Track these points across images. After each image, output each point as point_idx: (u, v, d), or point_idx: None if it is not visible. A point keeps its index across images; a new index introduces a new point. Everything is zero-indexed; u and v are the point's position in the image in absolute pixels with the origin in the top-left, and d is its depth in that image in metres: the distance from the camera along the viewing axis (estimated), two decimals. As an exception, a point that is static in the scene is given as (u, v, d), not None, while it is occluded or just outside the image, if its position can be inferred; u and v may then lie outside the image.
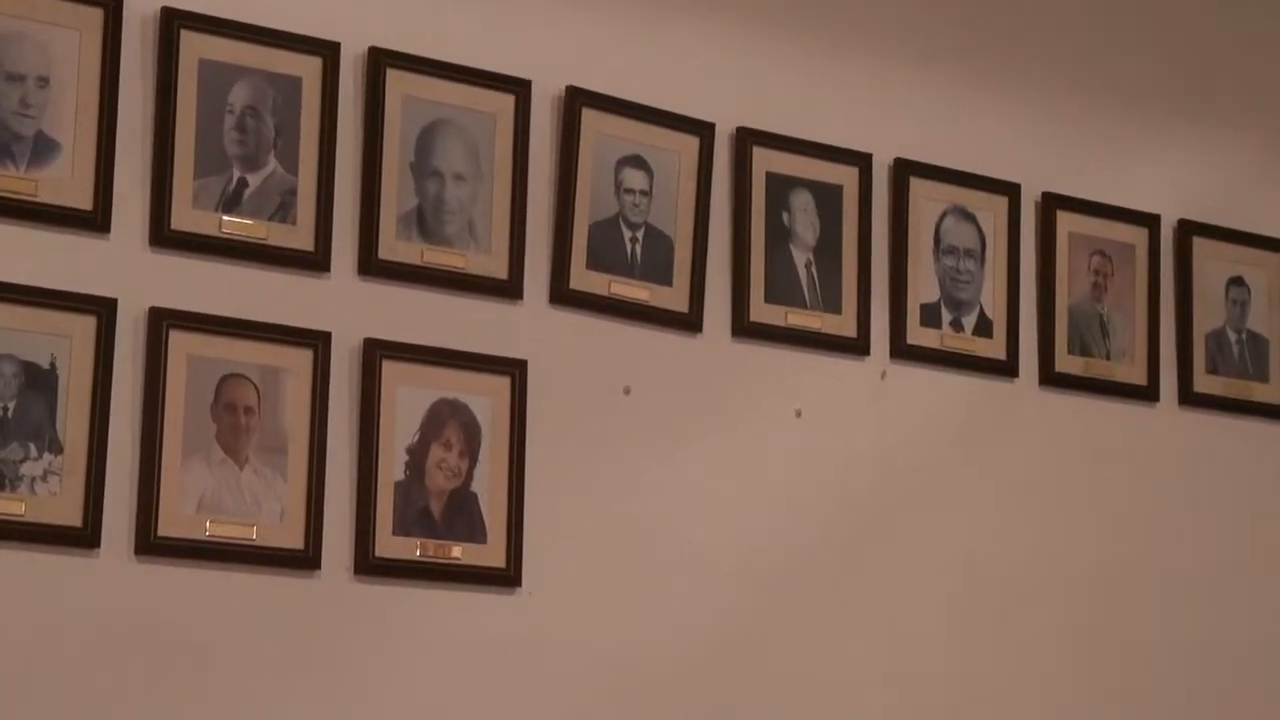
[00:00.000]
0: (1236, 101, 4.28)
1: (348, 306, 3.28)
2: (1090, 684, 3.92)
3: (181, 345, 3.14)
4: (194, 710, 3.11)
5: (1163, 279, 4.11)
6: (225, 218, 3.21)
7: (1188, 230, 4.16)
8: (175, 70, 3.19)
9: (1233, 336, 4.21)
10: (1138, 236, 4.09)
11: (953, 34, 3.95)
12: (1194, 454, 4.11)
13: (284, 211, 3.25)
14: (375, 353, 3.28)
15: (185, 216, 3.18)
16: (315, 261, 3.26)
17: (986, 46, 3.99)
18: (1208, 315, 4.18)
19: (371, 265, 3.31)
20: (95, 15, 3.13)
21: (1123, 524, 4.00)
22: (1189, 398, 4.12)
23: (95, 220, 3.11)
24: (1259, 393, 4.21)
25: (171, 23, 3.19)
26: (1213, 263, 4.19)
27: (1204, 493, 4.11)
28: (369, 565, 3.24)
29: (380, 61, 3.34)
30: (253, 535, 3.15)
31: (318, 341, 3.23)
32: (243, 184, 3.23)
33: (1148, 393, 4.06)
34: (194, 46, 3.21)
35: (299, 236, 3.25)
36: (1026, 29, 4.04)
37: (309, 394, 3.22)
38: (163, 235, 3.16)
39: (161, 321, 3.13)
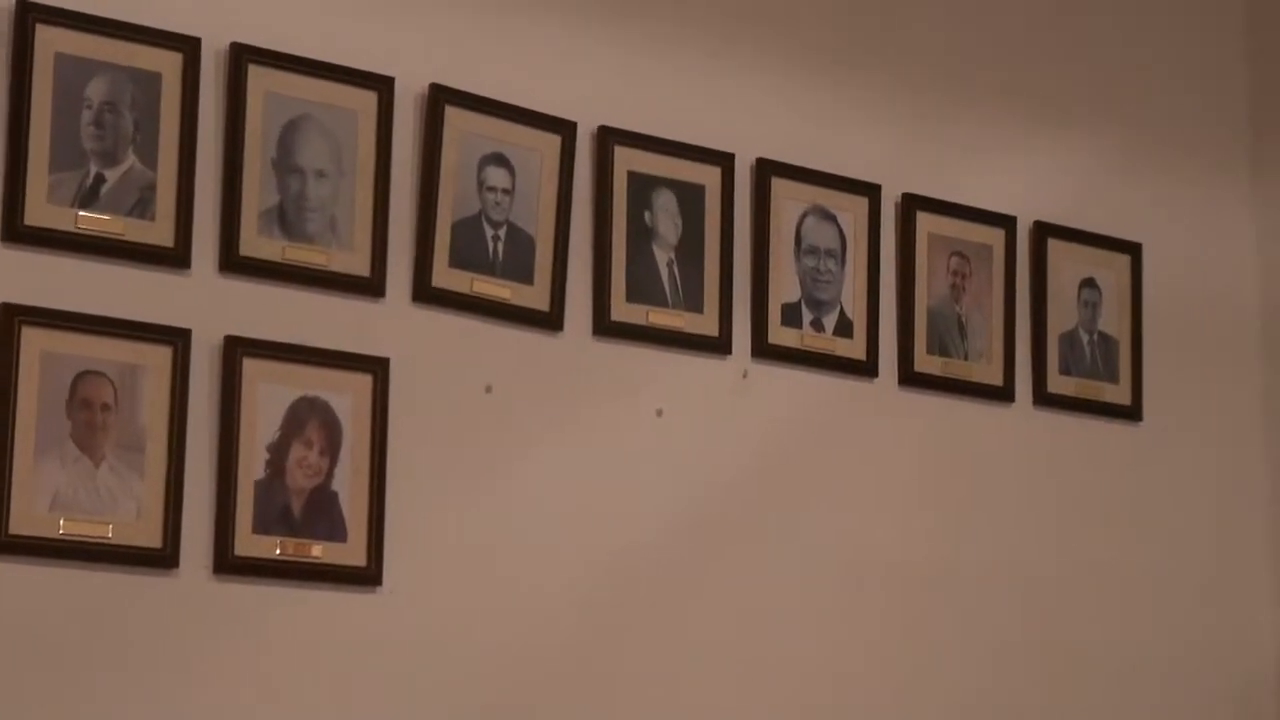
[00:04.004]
0: (1091, 106, 4.33)
1: (208, 303, 3.25)
2: (945, 679, 3.96)
3: (35, 342, 3.10)
4: (48, 711, 3.06)
5: (1018, 280, 4.15)
6: (81, 213, 3.16)
7: (1043, 232, 4.21)
8: (30, 65, 3.13)
9: (1085, 338, 4.26)
10: (994, 238, 4.13)
11: (814, 35, 3.97)
12: (1048, 453, 4.16)
13: (142, 207, 3.21)
14: (236, 350, 3.25)
15: (40, 212, 3.13)
16: (175, 258, 3.23)
17: (847, 48, 4.01)
18: (1061, 316, 4.22)
19: (232, 262, 3.28)
20: (-52, 8, 3.10)
21: (978, 522, 4.03)
22: (1043, 398, 4.17)
23: (-53, 216, 3.07)
24: (1109, 393, 4.27)
25: (27, 16, 3.14)
26: (1066, 264, 4.24)
27: (1057, 491, 4.15)
28: (228, 564, 3.21)
29: (242, 57, 3.31)
30: (108, 533, 3.11)
31: (177, 339, 3.20)
32: (100, 179, 3.19)
33: (1003, 393, 4.10)
34: (50, 40, 3.16)
35: (158, 232, 3.21)
36: (887, 32, 4.07)
37: (168, 391, 3.18)
38: (17, 231, 3.11)
39: (14, 318, 3.08)
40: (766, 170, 3.84)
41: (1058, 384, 4.19)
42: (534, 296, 3.56)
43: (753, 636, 3.73)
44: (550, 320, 3.57)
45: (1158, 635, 4.24)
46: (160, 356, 3.18)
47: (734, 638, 3.71)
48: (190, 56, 3.26)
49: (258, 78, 3.32)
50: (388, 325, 3.41)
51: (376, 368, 3.37)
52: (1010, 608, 4.05)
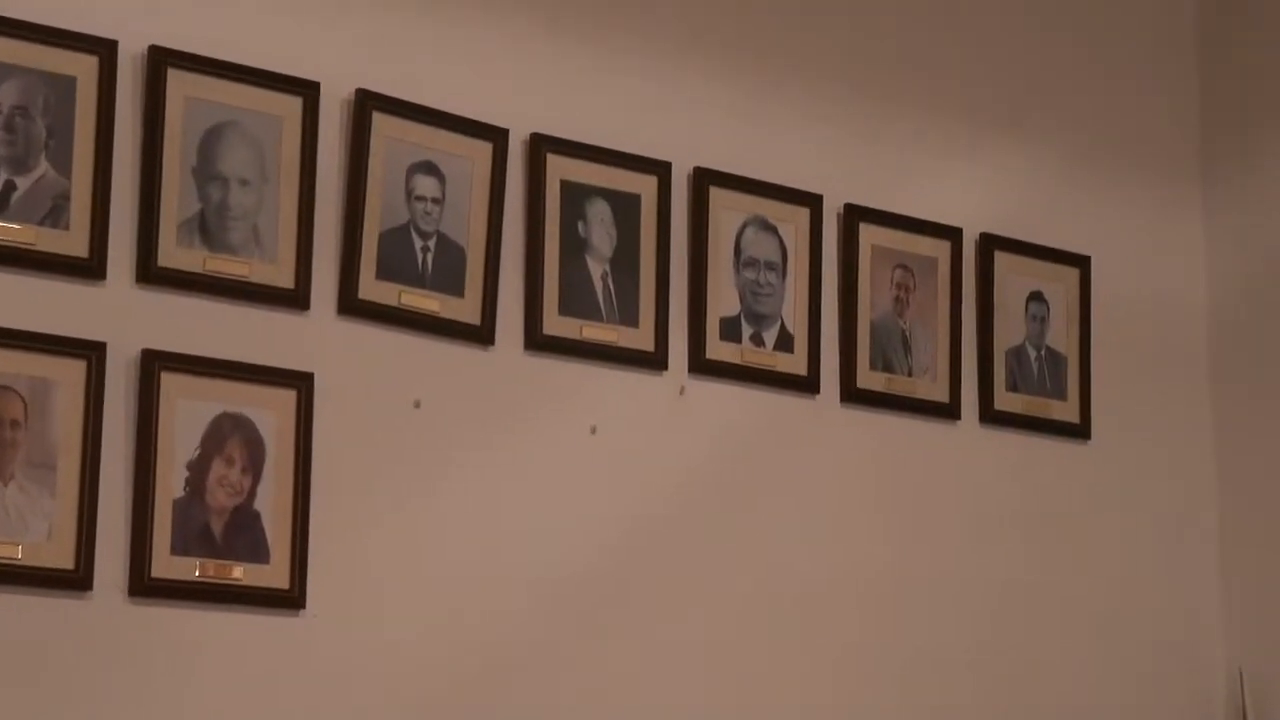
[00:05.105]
0: (1038, 117, 4.33)
1: (124, 316, 3.21)
2: (889, 694, 3.93)
3: (-60, 357, 3.07)
4: (-44, 740, 3.02)
5: (964, 294, 4.15)
6: (-10, 222, 3.14)
7: (989, 244, 4.18)
8: (-62, 68, 3.11)
9: (1032, 353, 4.24)
10: (940, 250, 4.10)
11: (754, 43, 3.96)
12: (995, 473, 4.15)
13: (55, 216, 3.17)
14: (154, 364, 3.22)
15: (-53, 221, 3.11)
16: (89, 269, 3.19)
17: (788, 56, 4.00)
18: (1008, 331, 4.20)
19: (150, 273, 3.24)
20: None
21: (922, 541, 4.01)
22: (989, 415, 4.15)
23: None
24: (1057, 410, 4.25)
25: (-65, 19, 3.11)
26: (1013, 277, 4.22)
27: (1004, 513, 4.14)
28: (145, 586, 3.17)
29: (161, 61, 3.28)
30: (17, 554, 3.07)
31: (91, 352, 3.16)
32: (10, 187, 3.15)
33: (949, 410, 4.09)
34: (-41, 45, 3.12)
35: (72, 242, 3.17)
36: (829, 40, 4.06)
37: (81, 407, 3.14)
38: (-77, 240, 3.08)
39: (-81, 331, 3.05)
40: (704, 179, 3.82)
41: (1005, 401, 4.17)
42: (464, 309, 3.53)
43: (688, 655, 3.70)
44: (481, 334, 3.55)
45: (1107, 652, 4.23)
46: (73, 370, 3.14)
47: (669, 657, 3.68)
48: (106, 60, 3.22)
49: (177, 82, 3.28)
50: (312, 339, 3.38)
51: (300, 383, 3.34)
52: (955, 628, 4.04)
